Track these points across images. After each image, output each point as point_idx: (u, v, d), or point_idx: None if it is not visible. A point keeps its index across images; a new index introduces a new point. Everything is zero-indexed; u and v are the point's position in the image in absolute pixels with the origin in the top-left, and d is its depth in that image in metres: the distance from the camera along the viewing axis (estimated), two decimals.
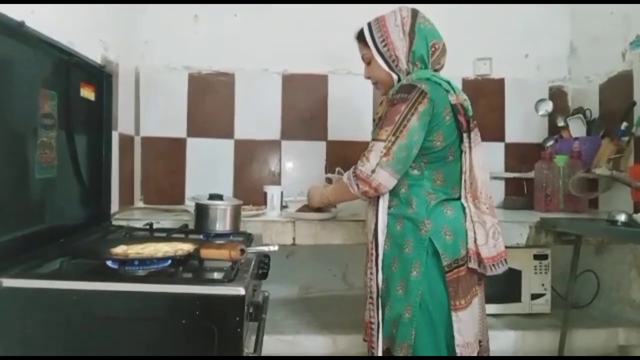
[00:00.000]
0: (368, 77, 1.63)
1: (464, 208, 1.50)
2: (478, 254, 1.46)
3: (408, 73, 1.53)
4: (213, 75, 2.48)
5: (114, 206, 1.94)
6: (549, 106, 2.55)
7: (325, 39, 2.44)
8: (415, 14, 1.54)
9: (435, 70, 1.56)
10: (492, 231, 1.48)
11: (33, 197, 1.29)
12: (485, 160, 1.52)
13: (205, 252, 1.14)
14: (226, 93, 2.49)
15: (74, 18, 1.64)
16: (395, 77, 1.54)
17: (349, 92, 2.49)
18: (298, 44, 2.46)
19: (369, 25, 1.56)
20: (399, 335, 1.45)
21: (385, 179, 1.43)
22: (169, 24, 2.43)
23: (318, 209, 1.87)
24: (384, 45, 1.52)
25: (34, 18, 1.24)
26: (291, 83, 2.52)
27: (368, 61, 1.59)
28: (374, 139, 1.46)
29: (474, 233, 1.47)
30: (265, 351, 1.82)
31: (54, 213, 1.39)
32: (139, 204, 2.41)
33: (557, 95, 2.64)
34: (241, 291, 1.03)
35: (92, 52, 1.71)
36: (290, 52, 2.48)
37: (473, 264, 1.47)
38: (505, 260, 1.50)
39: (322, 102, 2.53)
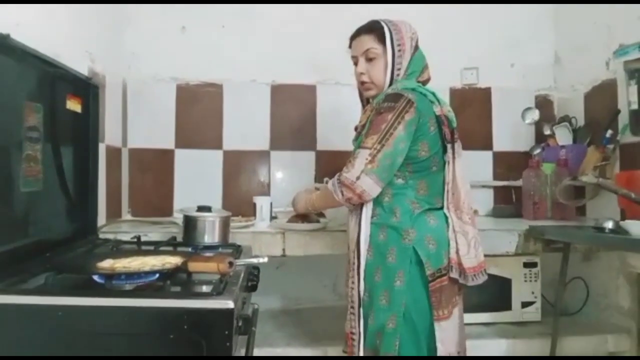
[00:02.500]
0: (362, 73, 1.56)
1: (446, 218, 1.50)
2: (460, 264, 1.47)
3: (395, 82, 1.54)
4: (201, 86, 2.48)
5: (101, 219, 1.92)
6: (535, 115, 2.57)
7: (313, 50, 2.45)
8: None
9: (419, 82, 1.57)
10: (474, 242, 1.49)
11: (18, 211, 1.27)
12: (465, 172, 1.53)
13: (193, 266, 1.13)
14: (214, 104, 2.48)
15: (59, 30, 1.63)
16: (388, 81, 1.54)
17: (338, 102, 2.50)
18: (286, 55, 2.47)
19: (387, 26, 1.53)
20: (383, 346, 1.44)
21: (370, 186, 1.42)
22: (156, 35, 2.43)
23: (304, 216, 1.86)
24: (399, 51, 1.52)
25: (19, 30, 1.23)
26: (280, 93, 2.52)
27: (373, 57, 1.54)
28: (359, 147, 1.46)
29: (456, 243, 1.48)
30: None
31: (40, 227, 1.37)
32: (126, 216, 2.39)
33: (543, 103, 2.67)
34: (230, 304, 1.01)
35: (79, 64, 1.70)
36: (279, 62, 2.48)
37: (454, 274, 1.47)
38: (485, 270, 1.51)
39: (310, 113, 2.53)
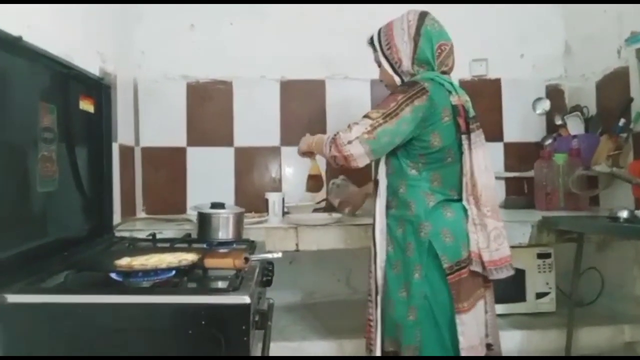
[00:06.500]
0: (381, 80, 1.65)
1: (465, 210, 1.49)
2: (480, 257, 1.46)
3: (413, 75, 1.53)
4: (211, 83, 2.49)
5: (116, 217, 1.94)
6: (546, 105, 2.55)
7: (321, 45, 2.45)
8: (422, 16, 1.55)
9: (443, 72, 1.55)
10: (495, 235, 1.46)
11: (35, 211, 1.29)
12: (488, 162, 1.51)
13: (209, 262, 1.14)
14: (225, 101, 2.49)
15: (70, 31, 1.64)
16: (398, 79, 1.56)
17: (347, 97, 2.50)
18: (295, 51, 2.47)
19: (379, 30, 1.60)
20: (405, 337, 1.45)
21: (358, 154, 1.42)
22: (165, 34, 2.44)
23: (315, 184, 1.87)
24: (388, 48, 1.55)
25: (31, 32, 1.24)
26: (289, 89, 2.52)
27: (378, 64, 1.62)
28: (364, 116, 1.46)
29: (476, 235, 1.46)
30: None
31: (57, 226, 1.38)
32: (141, 214, 2.41)
33: (554, 93, 2.64)
34: (246, 299, 1.03)
35: (90, 65, 1.72)
36: (288, 58, 2.48)
37: (475, 267, 1.46)
38: (510, 264, 1.48)
39: (320, 108, 2.53)
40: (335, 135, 1.45)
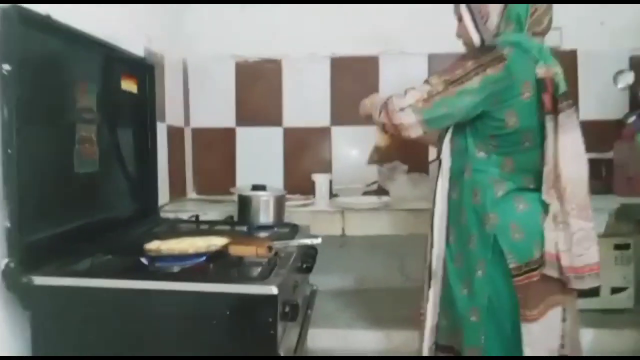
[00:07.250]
0: (459, 36, 1.41)
1: (543, 203, 1.29)
2: (558, 259, 1.25)
3: (496, 36, 1.32)
4: (260, 62, 2.43)
5: (164, 198, 1.94)
6: (629, 78, 2.28)
7: (374, 18, 2.31)
8: None
9: (536, 34, 1.32)
10: (580, 237, 1.25)
11: (74, 192, 1.28)
12: (580, 150, 1.27)
13: (234, 249, 1.09)
14: (274, 80, 2.43)
15: (115, 11, 1.62)
16: (477, 37, 1.34)
17: (402, 73, 2.34)
18: (346, 25, 2.34)
19: None
20: (467, 338, 1.32)
21: (410, 124, 1.25)
22: (214, 13, 2.39)
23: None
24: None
25: (74, 12, 1.23)
26: (340, 66, 2.42)
27: (459, 18, 1.38)
28: (424, 81, 1.28)
29: (555, 234, 1.26)
30: (316, 345, 1.78)
31: (98, 207, 1.39)
32: (192, 194, 2.42)
33: (638, 65, 2.35)
34: (274, 290, 0.96)
35: (134, 45, 1.70)
36: (339, 33, 2.36)
37: (550, 270, 1.26)
38: (597, 274, 1.27)
39: (373, 86, 2.39)
40: (387, 99, 1.30)
